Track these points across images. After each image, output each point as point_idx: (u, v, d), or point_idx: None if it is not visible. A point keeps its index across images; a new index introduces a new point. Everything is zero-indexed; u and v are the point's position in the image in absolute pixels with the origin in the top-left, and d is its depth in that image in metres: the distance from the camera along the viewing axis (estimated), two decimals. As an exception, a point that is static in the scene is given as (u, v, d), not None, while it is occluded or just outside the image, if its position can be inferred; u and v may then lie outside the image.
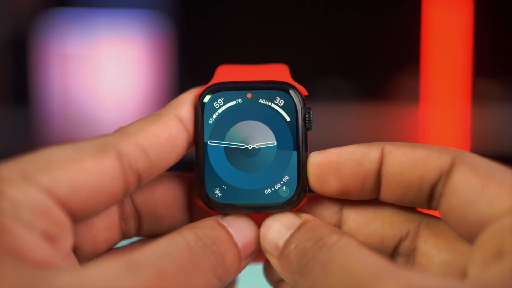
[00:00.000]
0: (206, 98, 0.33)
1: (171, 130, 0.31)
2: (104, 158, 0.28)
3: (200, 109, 0.33)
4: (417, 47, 1.12)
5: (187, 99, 0.33)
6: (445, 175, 0.30)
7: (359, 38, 1.15)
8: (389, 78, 1.14)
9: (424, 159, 0.30)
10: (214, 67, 0.36)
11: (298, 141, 0.33)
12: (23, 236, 0.25)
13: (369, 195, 0.32)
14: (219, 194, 0.32)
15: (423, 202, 0.31)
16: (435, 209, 0.31)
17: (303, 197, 0.33)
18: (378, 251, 0.31)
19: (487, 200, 0.28)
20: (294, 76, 0.34)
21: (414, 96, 1.13)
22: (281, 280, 0.34)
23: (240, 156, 0.33)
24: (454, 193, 0.29)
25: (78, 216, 0.28)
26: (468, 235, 0.29)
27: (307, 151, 0.33)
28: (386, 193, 0.32)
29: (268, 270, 0.35)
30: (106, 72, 1.12)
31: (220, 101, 0.33)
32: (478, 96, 1.13)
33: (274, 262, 0.32)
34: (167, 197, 0.34)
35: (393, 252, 0.33)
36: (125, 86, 1.12)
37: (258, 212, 0.32)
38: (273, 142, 0.33)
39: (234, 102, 0.33)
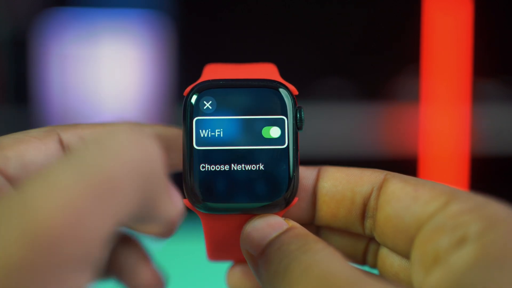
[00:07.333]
0: (194, 97, 0.32)
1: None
2: (48, 140, 0.31)
3: (188, 108, 0.32)
4: (417, 47, 1.12)
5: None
6: (377, 189, 0.31)
7: (359, 38, 1.15)
8: (389, 78, 1.14)
9: (358, 174, 0.32)
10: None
11: (288, 140, 0.31)
12: None
13: (307, 214, 0.33)
14: (205, 197, 0.31)
15: (356, 219, 0.32)
16: (370, 232, 0.32)
17: (293, 199, 0.32)
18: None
19: (420, 202, 0.29)
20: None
21: (414, 96, 1.13)
22: None
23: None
24: (388, 202, 0.31)
25: None
26: (407, 243, 0.30)
27: (297, 151, 0.32)
28: (321, 210, 0.33)
29: (232, 281, 0.35)
30: (106, 72, 1.12)
31: (209, 99, 0.32)
32: (478, 96, 1.13)
33: (251, 261, 0.31)
34: None
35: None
36: (125, 86, 1.12)
37: (246, 213, 0.31)
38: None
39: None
